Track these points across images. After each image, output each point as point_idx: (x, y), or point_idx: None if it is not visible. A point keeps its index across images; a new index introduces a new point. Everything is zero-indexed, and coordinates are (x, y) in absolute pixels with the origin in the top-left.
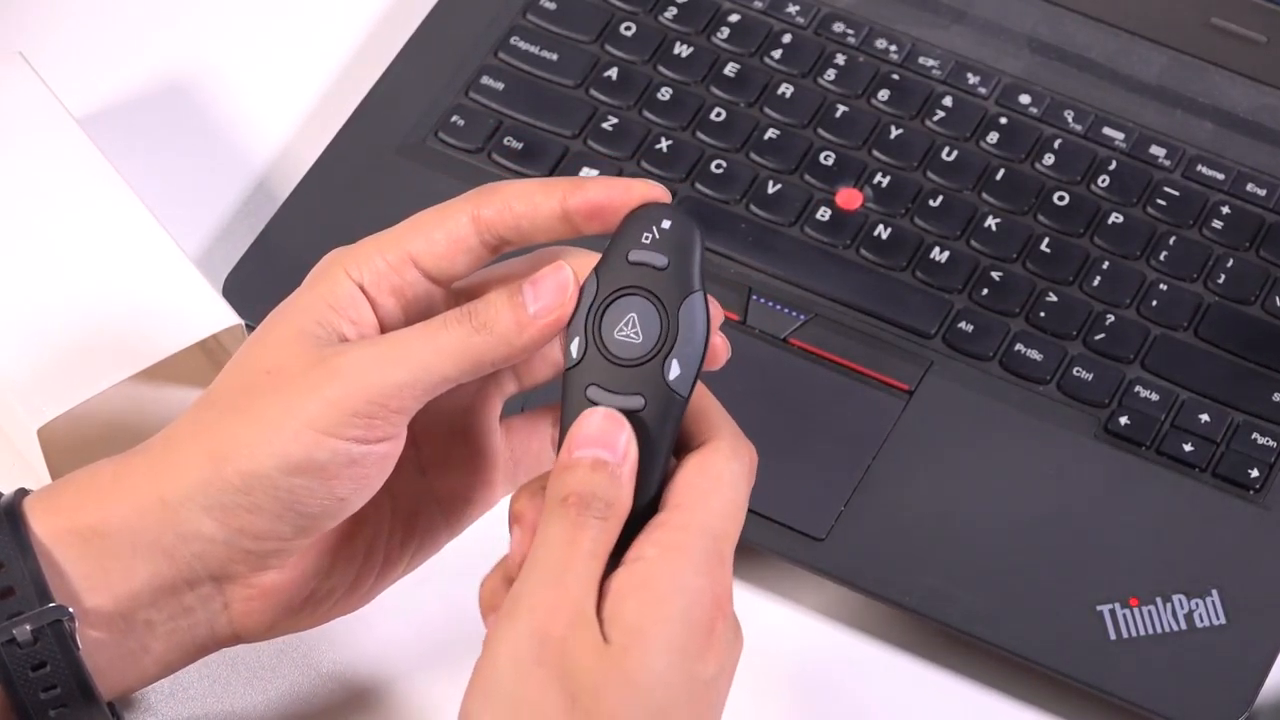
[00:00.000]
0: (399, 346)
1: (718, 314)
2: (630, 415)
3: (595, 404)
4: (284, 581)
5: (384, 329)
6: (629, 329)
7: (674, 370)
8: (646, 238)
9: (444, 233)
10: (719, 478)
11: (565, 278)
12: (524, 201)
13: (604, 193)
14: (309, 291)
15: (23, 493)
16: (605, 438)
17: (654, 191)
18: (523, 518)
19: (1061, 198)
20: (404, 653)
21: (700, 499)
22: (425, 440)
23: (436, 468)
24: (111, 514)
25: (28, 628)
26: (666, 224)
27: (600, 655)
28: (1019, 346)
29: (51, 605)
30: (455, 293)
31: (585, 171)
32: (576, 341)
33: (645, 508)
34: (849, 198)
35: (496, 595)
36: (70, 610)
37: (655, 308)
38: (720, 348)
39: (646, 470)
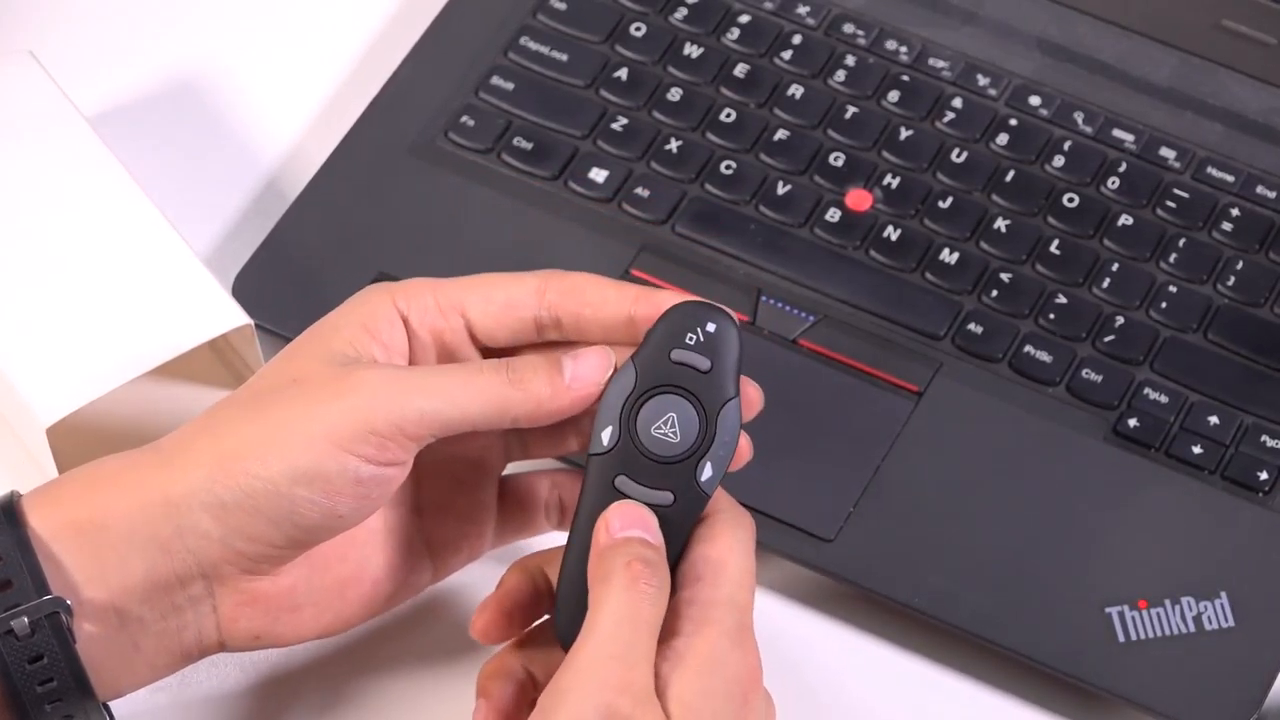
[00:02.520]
0: (430, 375)
1: (755, 398)
2: (656, 509)
3: (622, 493)
4: (273, 591)
5: (414, 364)
6: (667, 427)
7: (706, 472)
8: (691, 339)
9: (504, 295)
10: (730, 548)
11: (607, 359)
12: (597, 292)
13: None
14: (346, 312)
15: (17, 494)
16: (644, 523)
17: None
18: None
19: (1071, 199)
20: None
21: (717, 572)
22: (428, 483)
23: (433, 512)
24: (112, 507)
25: (25, 620)
26: (711, 327)
27: None
28: (1028, 348)
29: (49, 597)
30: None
31: (594, 172)
32: (609, 430)
33: None
34: (859, 199)
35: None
36: (68, 602)
37: (696, 410)
38: (745, 450)
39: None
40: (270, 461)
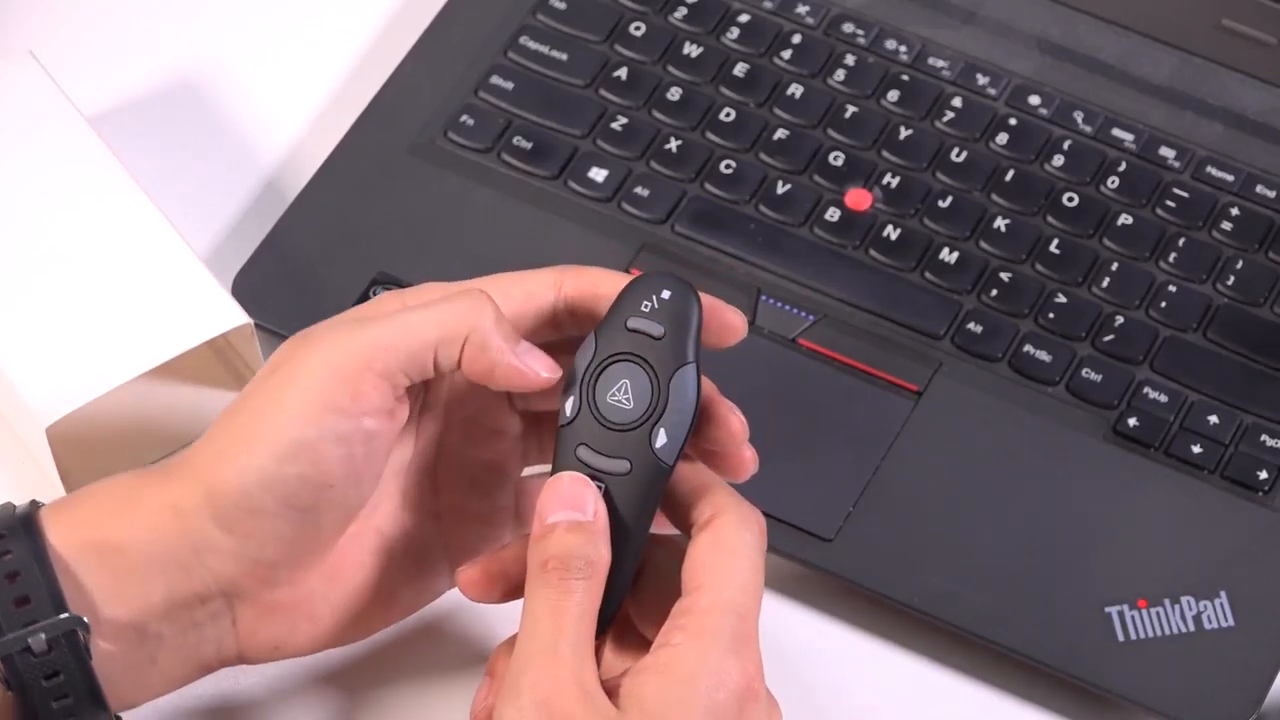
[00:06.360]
0: (382, 317)
1: (728, 410)
2: (616, 479)
3: (584, 463)
4: (291, 601)
5: None
6: (621, 394)
7: (660, 439)
8: (646, 306)
9: (522, 291)
10: (733, 551)
11: (555, 366)
12: (611, 284)
13: None
14: (356, 319)
15: (37, 504)
16: (575, 499)
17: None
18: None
19: (1071, 199)
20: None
21: (719, 577)
22: (445, 488)
23: (451, 517)
24: (129, 530)
25: (43, 637)
26: (666, 294)
27: None
28: (1028, 347)
29: (67, 615)
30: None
31: (594, 172)
32: (571, 400)
33: (628, 575)
34: (858, 198)
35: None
36: (85, 620)
37: (648, 376)
38: (750, 461)
39: (629, 535)
40: (255, 449)
